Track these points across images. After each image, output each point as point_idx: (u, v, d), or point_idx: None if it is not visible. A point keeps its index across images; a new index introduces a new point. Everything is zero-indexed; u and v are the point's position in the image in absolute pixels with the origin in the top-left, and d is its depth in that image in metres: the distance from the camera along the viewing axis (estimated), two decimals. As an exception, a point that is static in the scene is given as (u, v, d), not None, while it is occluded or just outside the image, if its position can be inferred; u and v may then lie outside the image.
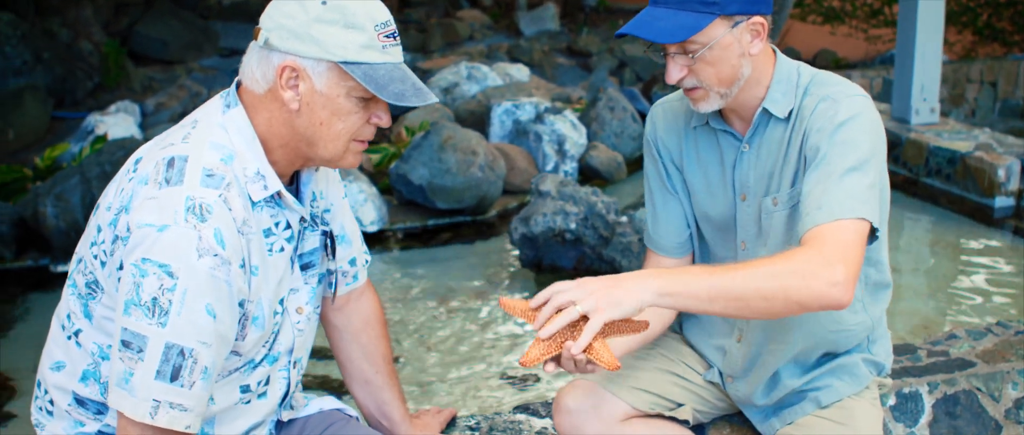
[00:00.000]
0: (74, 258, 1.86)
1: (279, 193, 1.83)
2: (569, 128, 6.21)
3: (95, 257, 1.78)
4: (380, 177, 6.07)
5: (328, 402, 2.24)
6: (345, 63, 1.73)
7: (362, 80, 1.73)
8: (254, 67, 1.80)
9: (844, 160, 1.87)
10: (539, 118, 6.26)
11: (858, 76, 10.10)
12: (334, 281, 2.09)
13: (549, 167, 6.07)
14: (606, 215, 4.63)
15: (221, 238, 1.68)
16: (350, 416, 2.26)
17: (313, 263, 1.97)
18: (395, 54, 1.78)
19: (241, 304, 1.75)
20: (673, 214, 2.20)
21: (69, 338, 1.84)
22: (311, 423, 2.16)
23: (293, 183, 1.95)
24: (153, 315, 1.66)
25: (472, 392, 3.80)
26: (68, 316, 1.84)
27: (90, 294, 1.80)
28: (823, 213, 1.82)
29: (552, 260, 4.82)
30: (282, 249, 1.86)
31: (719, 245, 2.16)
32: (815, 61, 12.07)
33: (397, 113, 7.31)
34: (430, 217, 5.68)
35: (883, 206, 1.97)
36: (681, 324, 2.34)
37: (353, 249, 2.12)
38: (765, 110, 2.00)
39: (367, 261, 2.20)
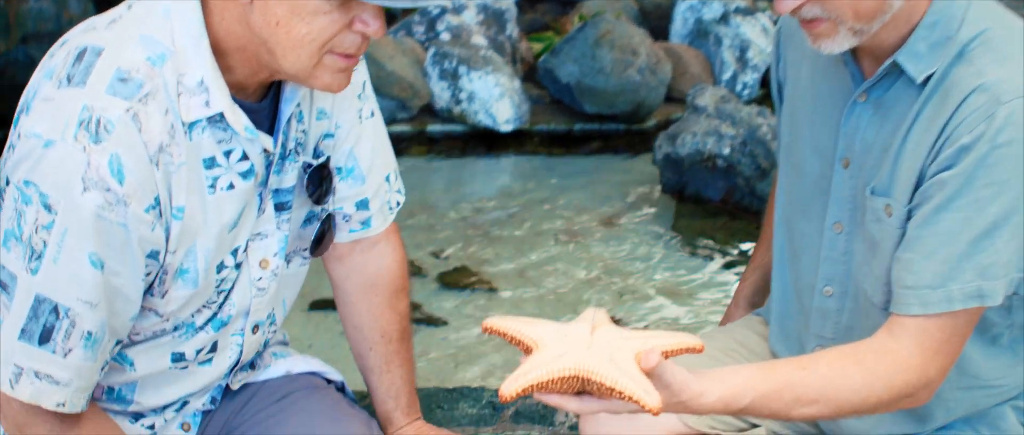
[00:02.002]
0: None
1: (223, 116, 1.43)
2: (758, 33, 5.55)
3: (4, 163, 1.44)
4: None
5: (301, 363, 1.87)
6: None
7: None
8: None
9: (982, 215, 1.38)
10: (724, 18, 5.62)
11: None
12: (329, 224, 1.69)
13: (726, 76, 5.47)
14: (769, 142, 4.05)
15: (119, 168, 1.35)
16: (329, 381, 1.88)
17: (289, 204, 1.58)
18: None
19: (153, 255, 1.43)
20: None
21: None
22: (265, 390, 1.81)
23: (269, 96, 1.53)
24: (27, 256, 1.38)
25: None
26: None
27: None
28: (936, 298, 1.43)
29: (697, 189, 4.29)
30: (232, 186, 1.47)
31: (805, 219, 1.65)
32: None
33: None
34: (578, 121, 5.21)
35: None
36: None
37: (366, 187, 1.71)
38: (896, 63, 1.44)
39: (397, 203, 1.78)
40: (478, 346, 3.32)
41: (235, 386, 1.78)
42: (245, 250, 1.57)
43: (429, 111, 5.13)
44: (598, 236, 4.18)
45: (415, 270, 3.81)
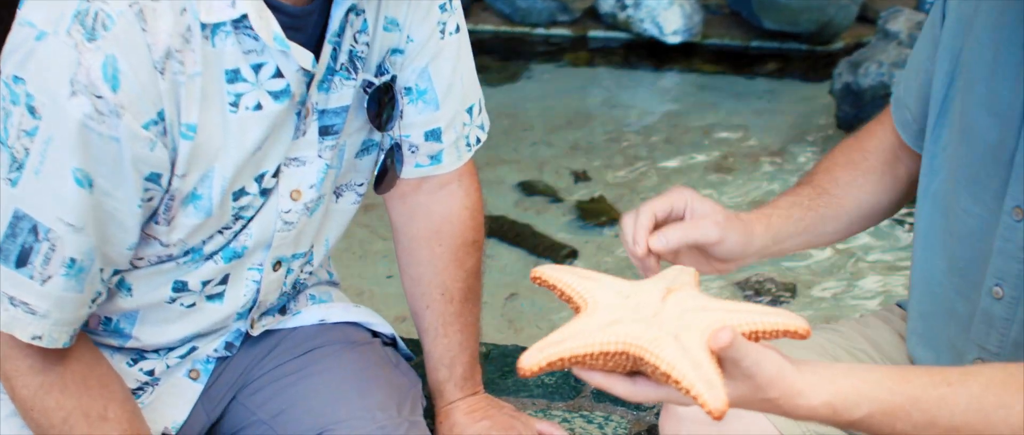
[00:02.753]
0: None
1: (247, 20, 1.25)
2: (976, -51, 4.94)
3: None
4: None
5: (341, 311, 1.67)
6: None
7: None
8: None
9: None
10: (937, -71, 5.04)
11: None
12: (392, 158, 1.52)
13: (932, -3, 4.90)
14: (970, 81, 3.55)
15: (114, 73, 1.18)
16: (373, 334, 1.66)
17: (336, 128, 1.41)
18: None
19: (154, 178, 1.26)
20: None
21: None
22: (291, 340, 1.63)
23: None
24: (8, 164, 1.23)
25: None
26: None
27: None
28: None
29: (877, 126, 3.82)
30: (260, 106, 1.30)
31: (972, 197, 1.32)
32: None
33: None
34: (754, 37, 4.78)
35: None
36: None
37: (439, 115, 1.52)
38: None
39: (477, 140, 1.60)
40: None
41: (255, 332, 1.56)
42: (275, 175, 1.37)
43: (592, 16, 4.87)
44: (759, 172, 3.81)
45: (550, 193, 3.52)
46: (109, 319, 1.45)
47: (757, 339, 1.00)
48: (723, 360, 0.98)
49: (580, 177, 3.65)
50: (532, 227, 3.31)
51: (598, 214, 3.44)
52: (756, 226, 1.37)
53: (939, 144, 1.34)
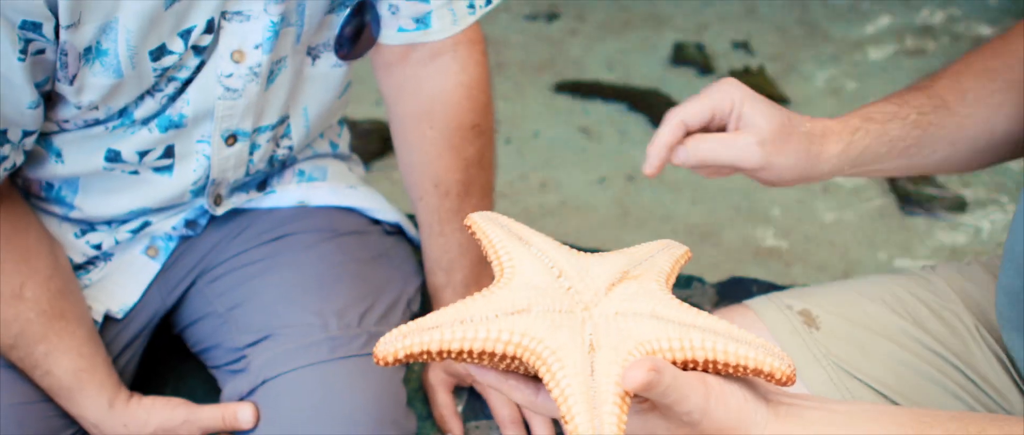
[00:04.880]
0: None
1: None
2: None
3: None
4: None
5: (324, 193, 1.52)
6: None
7: None
8: None
9: None
10: None
11: None
12: (365, 16, 1.33)
13: None
14: None
15: None
16: (373, 222, 1.52)
17: None
18: None
19: (32, 27, 1.12)
20: None
21: None
22: (262, 223, 1.47)
23: None
24: None
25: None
26: None
27: None
28: None
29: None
30: None
31: None
32: None
33: None
34: None
35: None
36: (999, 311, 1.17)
37: None
38: None
39: (486, 1, 1.37)
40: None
41: (219, 211, 1.42)
42: (209, 31, 1.20)
43: None
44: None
45: (700, 62, 3.16)
46: (51, 185, 1.34)
47: (720, 372, 0.78)
48: (653, 400, 0.76)
49: (740, 45, 3.28)
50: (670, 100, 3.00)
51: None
52: (829, 143, 1.10)
53: None
